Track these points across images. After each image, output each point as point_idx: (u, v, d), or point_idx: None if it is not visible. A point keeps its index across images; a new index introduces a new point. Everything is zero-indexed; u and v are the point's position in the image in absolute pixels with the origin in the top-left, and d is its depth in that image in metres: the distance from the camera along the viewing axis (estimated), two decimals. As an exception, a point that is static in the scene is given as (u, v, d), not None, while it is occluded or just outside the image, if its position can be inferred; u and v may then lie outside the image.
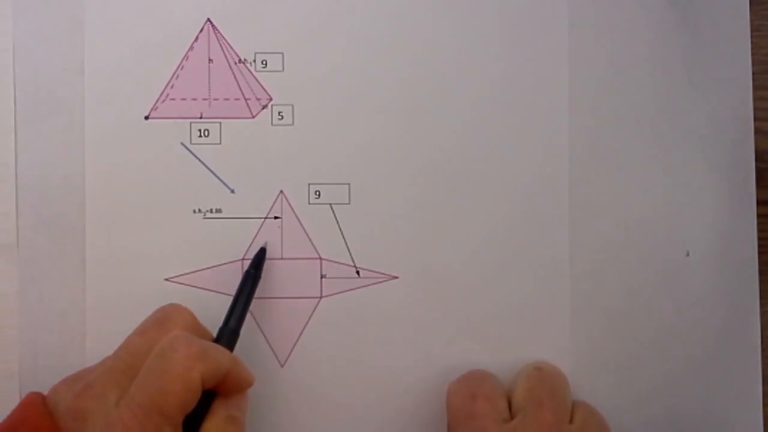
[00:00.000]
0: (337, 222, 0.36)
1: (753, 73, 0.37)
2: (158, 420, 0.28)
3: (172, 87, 0.36)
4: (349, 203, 0.37)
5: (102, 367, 0.31)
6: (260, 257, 0.35)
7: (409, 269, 0.36)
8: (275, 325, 0.36)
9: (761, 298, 0.37)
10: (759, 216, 0.37)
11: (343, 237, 0.36)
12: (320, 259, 0.36)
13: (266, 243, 0.36)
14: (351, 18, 0.37)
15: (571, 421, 0.32)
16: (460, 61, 0.37)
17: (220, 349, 0.31)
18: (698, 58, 0.37)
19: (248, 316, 0.36)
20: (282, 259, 0.36)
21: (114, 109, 0.36)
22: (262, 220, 0.36)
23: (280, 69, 0.37)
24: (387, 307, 0.36)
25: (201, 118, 0.36)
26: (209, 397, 0.31)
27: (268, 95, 0.37)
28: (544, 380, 0.34)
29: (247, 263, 0.36)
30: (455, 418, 0.33)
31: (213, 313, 0.36)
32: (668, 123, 0.37)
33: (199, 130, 0.36)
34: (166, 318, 0.32)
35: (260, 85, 0.36)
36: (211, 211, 0.36)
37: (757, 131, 0.37)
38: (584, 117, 0.37)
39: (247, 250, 0.36)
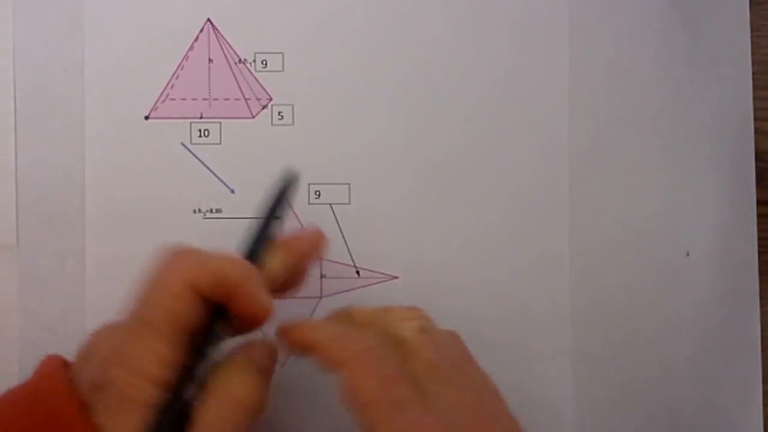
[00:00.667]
0: (337, 222, 0.36)
1: (753, 73, 0.37)
2: (141, 329, 0.27)
3: (172, 87, 0.36)
4: (349, 203, 0.37)
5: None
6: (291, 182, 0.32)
7: (409, 269, 0.36)
8: (275, 325, 0.36)
9: (761, 298, 0.37)
10: (759, 216, 0.37)
11: (343, 237, 0.36)
12: (320, 259, 0.36)
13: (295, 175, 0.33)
14: (351, 18, 0.37)
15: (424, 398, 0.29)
16: (460, 61, 0.37)
17: (231, 259, 0.29)
18: (698, 58, 0.37)
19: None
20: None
21: (114, 109, 0.36)
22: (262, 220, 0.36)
23: (280, 69, 0.37)
24: (387, 307, 0.36)
25: (201, 118, 0.36)
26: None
27: (268, 95, 0.37)
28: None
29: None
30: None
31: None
32: (668, 123, 0.37)
33: (199, 130, 0.36)
34: (166, 258, 0.29)
35: (260, 85, 0.36)
36: (211, 211, 0.36)
37: (757, 131, 0.37)
38: (584, 117, 0.37)
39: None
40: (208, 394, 0.28)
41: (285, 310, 0.36)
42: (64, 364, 0.29)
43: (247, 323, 0.30)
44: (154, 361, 0.27)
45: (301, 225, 0.36)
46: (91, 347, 0.28)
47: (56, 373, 0.28)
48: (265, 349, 0.31)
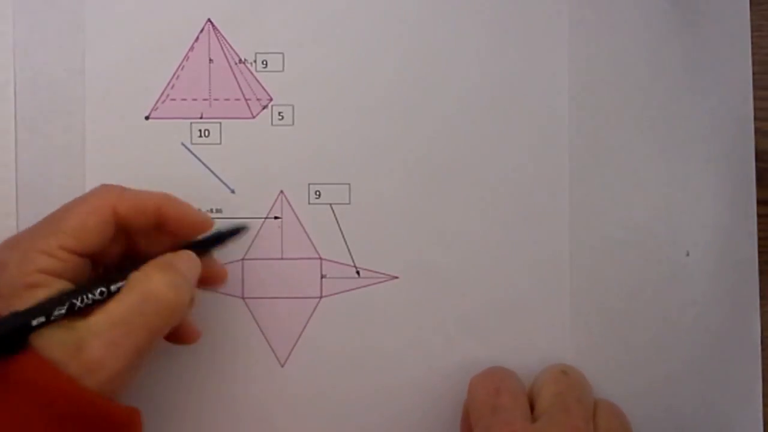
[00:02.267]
0: (337, 222, 0.36)
1: (753, 73, 0.37)
2: (47, 228, 0.29)
3: (172, 87, 0.36)
4: (349, 203, 0.37)
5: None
6: (233, 233, 0.34)
7: (409, 269, 0.36)
8: (275, 325, 0.36)
9: (761, 298, 0.37)
10: (759, 216, 0.37)
11: (343, 237, 0.36)
12: (320, 259, 0.36)
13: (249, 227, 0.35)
14: (351, 18, 0.37)
15: (595, 427, 0.32)
16: (460, 61, 0.37)
17: (153, 192, 0.31)
18: (698, 58, 0.37)
19: (248, 316, 0.36)
20: (282, 259, 0.36)
21: (114, 109, 0.36)
22: (262, 220, 0.36)
23: (280, 69, 0.37)
24: (387, 307, 0.36)
25: (201, 118, 0.36)
26: None
27: (268, 95, 0.37)
28: (572, 385, 0.33)
29: (247, 263, 0.36)
30: (478, 411, 0.33)
31: (213, 313, 0.36)
32: (668, 123, 0.37)
33: (200, 130, 0.36)
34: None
35: (260, 85, 0.36)
36: (211, 211, 0.36)
37: (757, 131, 0.37)
38: (584, 117, 0.37)
39: (248, 250, 0.36)
40: (126, 287, 0.29)
41: (285, 309, 0.36)
42: None
43: (189, 234, 0.32)
44: (49, 255, 0.28)
45: (301, 225, 0.36)
46: None
47: None
48: (190, 258, 0.31)
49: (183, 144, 0.36)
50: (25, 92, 0.36)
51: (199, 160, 0.36)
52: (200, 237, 0.32)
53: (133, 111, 0.36)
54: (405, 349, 0.36)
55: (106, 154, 0.36)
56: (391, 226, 0.36)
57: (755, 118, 0.37)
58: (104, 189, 0.31)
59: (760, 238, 0.37)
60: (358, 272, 0.36)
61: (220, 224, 0.33)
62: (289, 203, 0.36)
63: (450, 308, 0.36)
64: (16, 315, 0.26)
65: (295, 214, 0.36)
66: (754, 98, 0.37)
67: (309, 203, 0.36)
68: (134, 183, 0.36)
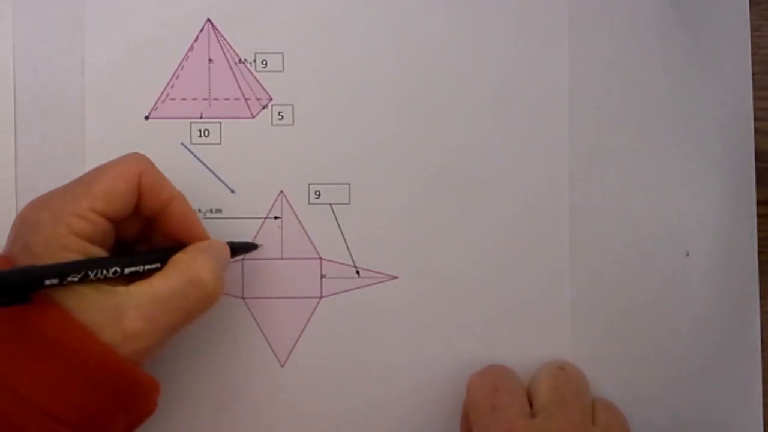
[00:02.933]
0: (337, 222, 0.36)
1: (753, 73, 0.37)
2: (79, 189, 0.29)
3: (172, 87, 0.36)
4: (349, 203, 0.37)
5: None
6: (248, 249, 0.36)
7: (409, 269, 0.36)
8: (275, 325, 0.36)
9: (761, 298, 0.37)
10: (759, 216, 0.37)
11: (343, 237, 0.36)
12: (320, 259, 0.36)
13: (261, 245, 0.36)
14: (351, 18, 0.37)
15: (593, 422, 0.32)
16: (459, 61, 0.37)
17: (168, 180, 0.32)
18: (698, 58, 0.37)
19: (248, 316, 0.36)
20: (282, 259, 0.36)
21: (114, 109, 0.36)
22: (262, 220, 0.36)
23: (280, 69, 0.37)
24: (387, 307, 0.36)
25: (201, 118, 0.36)
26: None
27: (268, 95, 0.37)
28: (569, 380, 0.34)
29: (247, 263, 0.36)
30: (477, 410, 0.33)
31: (213, 313, 0.36)
32: (668, 123, 0.37)
33: (199, 130, 0.36)
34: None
35: (260, 85, 0.36)
36: (211, 211, 0.36)
37: (757, 131, 0.37)
38: (584, 117, 0.37)
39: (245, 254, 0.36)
40: (172, 267, 0.30)
41: (285, 309, 0.36)
42: None
43: (182, 241, 0.32)
44: (82, 216, 0.29)
45: (301, 225, 0.36)
46: (16, 219, 0.29)
47: None
48: (225, 248, 0.33)
49: (183, 144, 0.36)
50: (25, 92, 0.36)
51: (199, 160, 0.36)
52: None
53: (132, 111, 0.36)
54: (405, 349, 0.36)
55: (106, 154, 0.36)
56: (391, 226, 0.36)
57: (755, 118, 0.37)
58: (135, 157, 0.31)
59: (760, 238, 0.37)
60: (358, 272, 0.36)
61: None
62: (289, 203, 0.36)
63: (450, 308, 0.36)
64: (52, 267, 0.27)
65: (295, 214, 0.36)
66: (754, 98, 0.37)
67: (309, 203, 0.36)
68: (134, 183, 0.36)
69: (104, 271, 0.28)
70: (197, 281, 0.30)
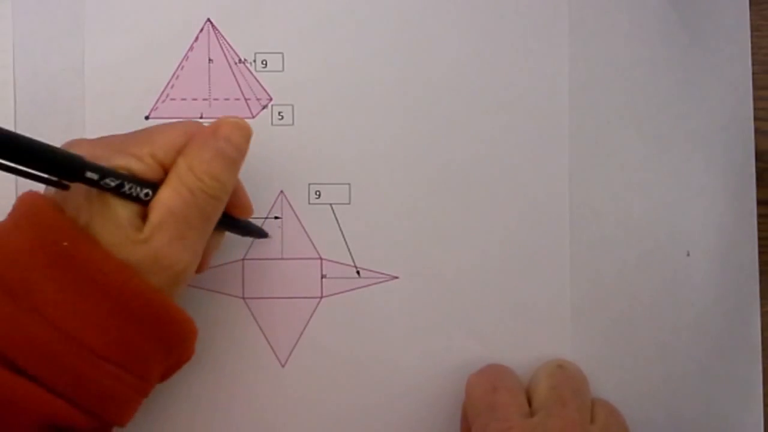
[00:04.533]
0: (337, 222, 0.36)
1: (753, 73, 0.37)
2: (138, 136, 0.30)
3: (172, 87, 0.36)
4: (349, 203, 0.36)
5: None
6: (260, 235, 0.36)
7: (409, 269, 0.36)
8: (275, 325, 0.36)
9: (761, 298, 0.37)
10: (759, 216, 0.37)
11: (343, 237, 0.36)
12: (320, 259, 0.36)
13: (272, 237, 0.36)
14: (351, 18, 0.37)
15: (592, 421, 0.32)
16: (459, 61, 0.37)
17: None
18: (698, 58, 0.37)
19: (248, 316, 0.36)
20: (282, 259, 0.36)
21: (114, 109, 0.36)
22: (263, 220, 0.36)
23: (280, 69, 0.37)
24: (387, 307, 0.36)
25: (201, 118, 0.36)
26: None
27: (268, 95, 0.37)
28: (568, 378, 0.34)
29: (247, 263, 0.36)
30: (476, 409, 0.33)
31: (214, 313, 0.36)
32: (668, 123, 0.37)
33: (199, 130, 0.36)
34: None
35: (260, 85, 0.36)
36: (211, 211, 0.36)
37: (757, 131, 0.37)
38: (584, 117, 0.37)
39: (248, 250, 0.36)
40: (175, 175, 0.29)
41: (285, 309, 0.36)
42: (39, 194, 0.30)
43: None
44: (140, 158, 0.29)
45: (302, 225, 0.36)
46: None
47: (33, 195, 0.29)
48: (237, 126, 0.31)
49: (183, 144, 0.36)
50: (25, 92, 0.36)
51: (199, 160, 0.36)
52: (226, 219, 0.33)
53: (133, 111, 0.36)
54: (405, 348, 0.36)
55: (106, 154, 0.36)
56: (391, 226, 0.36)
57: (755, 118, 0.37)
58: (191, 123, 0.31)
59: (760, 238, 0.37)
60: (358, 272, 0.36)
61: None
62: (289, 203, 0.36)
63: (450, 308, 0.36)
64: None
65: (295, 214, 0.36)
66: (754, 98, 0.37)
67: (309, 203, 0.36)
68: (134, 183, 0.36)
69: (138, 189, 0.28)
70: (200, 192, 0.29)
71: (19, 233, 0.28)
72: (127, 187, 0.28)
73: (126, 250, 0.28)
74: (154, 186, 0.29)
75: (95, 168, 0.27)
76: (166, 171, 0.30)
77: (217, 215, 0.30)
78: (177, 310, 0.29)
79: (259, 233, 0.36)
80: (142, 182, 0.28)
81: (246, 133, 0.31)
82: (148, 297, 0.28)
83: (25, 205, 0.29)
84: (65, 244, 0.27)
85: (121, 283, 0.27)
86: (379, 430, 0.36)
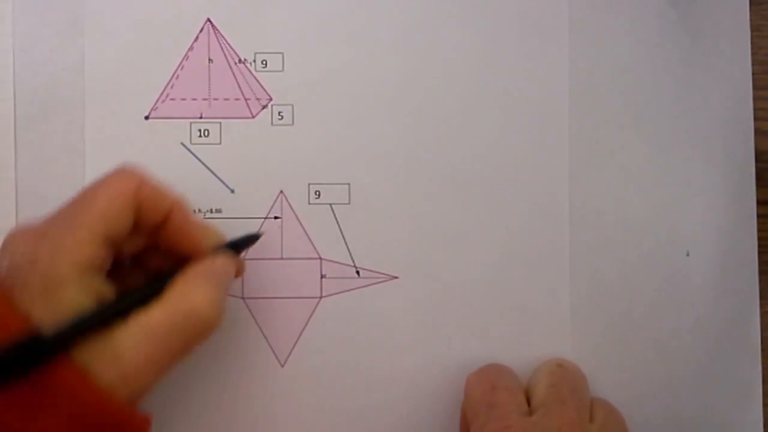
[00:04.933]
0: (337, 222, 0.36)
1: (753, 73, 0.37)
2: (75, 220, 0.27)
3: (172, 87, 0.36)
4: (349, 203, 0.36)
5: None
6: (250, 242, 0.35)
7: (409, 269, 0.36)
8: (275, 325, 0.36)
9: (761, 298, 0.37)
10: (759, 216, 0.37)
11: (343, 237, 0.36)
12: (320, 259, 0.36)
13: (263, 233, 0.36)
14: (351, 18, 0.37)
15: (591, 420, 0.32)
16: (460, 60, 0.37)
17: (169, 188, 0.30)
18: (698, 58, 0.37)
19: (248, 316, 0.36)
20: (282, 259, 0.36)
21: (114, 109, 0.36)
22: (262, 220, 0.36)
23: (280, 69, 0.37)
24: (387, 307, 0.36)
25: (201, 118, 0.36)
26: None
27: (268, 95, 0.37)
28: (567, 377, 0.34)
29: (247, 263, 0.36)
30: (474, 409, 0.33)
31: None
32: (668, 123, 0.37)
33: (199, 130, 0.36)
34: (113, 169, 0.30)
35: (260, 85, 0.36)
36: (211, 211, 0.36)
37: (757, 131, 0.37)
38: (584, 117, 0.37)
39: (247, 250, 0.36)
40: (168, 300, 0.28)
41: (285, 309, 0.36)
42: None
43: (183, 251, 0.31)
44: (82, 245, 0.27)
45: (301, 225, 0.36)
46: (6, 242, 0.28)
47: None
48: (228, 265, 0.31)
49: (182, 144, 0.36)
50: (25, 92, 0.36)
51: (199, 160, 0.36)
52: (215, 245, 0.32)
53: (132, 111, 0.36)
54: (405, 348, 0.36)
55: (105, 154, 0.36)
56: (391, 226, 0.36)
57: (755, 118, 0.37)
58: (128, 171, 0.30)
59: (760, 238, 0.37)
60: (358, 272, 0.36)
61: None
62: (289, 203, 0.36)
63: (450, 308, 0.36)
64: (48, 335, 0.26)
65: (295, 214, 0.36)
66: (754, 98, 0.37)
67: (309, 203, 0.36)
68: (134, 183, 0.36)
69: (109, 323, 0.27)
70: (195, 316, 0.28)
71: None
72: (96, 329, 0.27)
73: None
74: (122, 308, 0.28)
75: (59, 343, 0.25)
76: (114, 242, 0.28)
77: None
78: (132, 414, 0.27)
79: (251, 239, 0.35)
80: (108, 312, 0.27)
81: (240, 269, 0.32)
82: (104, 404, 0.26)
83: None
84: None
85: (77, 390, 0.26)
86: (378, 429, 0.36)
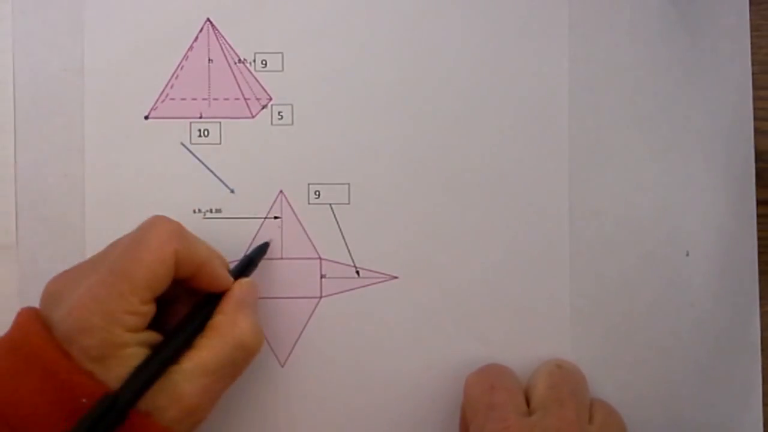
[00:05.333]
0: (337, 222, 0.36)
1: (753, 73, 0.37)
2: (125, 287, 0.29)
3: (171, 87, 0.36)
4: (349, 203, 0.36)
5: (85, 260, 0.32)
6: (262, 252, 0.36)
7: (409, 269, 0.36)
8: (275, 325, 0.36)
9: (761, 298, 0.37)
10: (759, 216, 0.37)
11: (343, 237, 0.36)
12: (320, 259, 0.36)
13: (270, 240, 0.36)
14: (351, 18, 0.37)
15: (590, 421, 0.32)
16: (460, 61, 0.37)
17: (201, 241, 0.32)
18: (698, 58, 0.37)
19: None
20: (282, 259, 0.36)
21: (114, 109, 0.36)
22: (262, 220, 0.36)
23: (280, 69, 0.37)
24: (387, 307, 0.36)
25: (201, 118, 0.36)
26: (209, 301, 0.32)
27: (268, 95, 0.37)
28: (567, 378, 0.34)
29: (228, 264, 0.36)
30: (473, 409, 0.33)
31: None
32: (668, 123, 0.37)
33: (199, 130, 0.36)
34: (150, 219, 0.32)
35: (260, 85, 0.36)
36: (211, 211, 0.36)
37: (757, 131, 0.37)
38: (584, 117, 0.37)
39: (248, 250, 0.36)
40: (215, 334, 0.31)
41: (286, 309, 0.36)
42: (36, 312, 0.30)
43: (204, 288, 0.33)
44: (134, 313, 0.29)
45: (301, 225, 0.36)
46: (55, 293, 0.30)
47: (33, 323, 0.29)
48: (255, 288, 0.33)
49: (182, 144, 0.36)
50: (25, 92, 0.36)
51: (199, 159, 0.36)
52: (233, 267, 0.34)
53: (132, 110, 0.36)
54: (405, 348, 0.36)
55: (105, 154, 0.36)
56: (391, 226, 0.36)
57: (755, 118, 0.37)
58: (166, 231, 0.31)
59: (760, 238, 0.37)
60: (357, 272, 0.36)
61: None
62: (289, 203, 0.36)
63: (449, 308, 0.36)
64: (120, 394, 0.28)
65: (295, 214, 0.36)
66: (754, 98, 0.37)
67: (309, 203, 0.36)
68: (134, 183, 0.36)
69: (166, 369, 0.29)
70: (242, 346, 0.31)
71: (29, 383, 0.28)
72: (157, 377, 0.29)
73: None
74: (173, 351, 0.30)
75: (130, 400, 0.28)
76: (156, 301, 0.30)
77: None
78: None
79: (263, 250, 0.36)
80: (163, 360, 0.29)
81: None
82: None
83: (17, 321, 0.29)
84: (84, 401, 0.27)
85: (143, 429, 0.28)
86: (378, 429, 0.36)
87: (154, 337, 0.30)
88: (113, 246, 0.31)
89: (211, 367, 0.30)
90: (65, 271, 0.31)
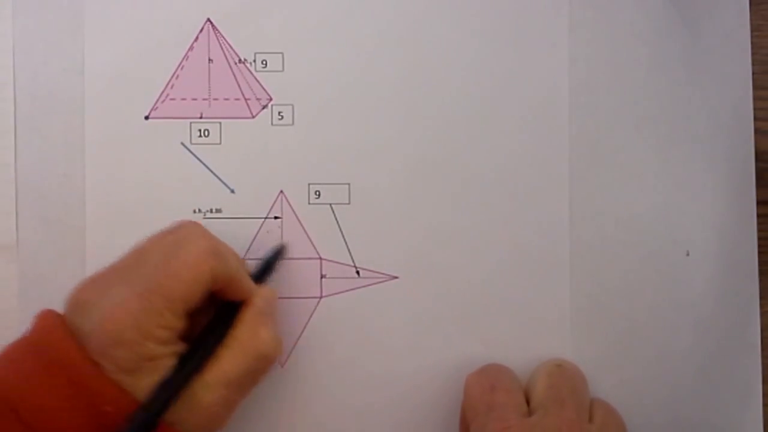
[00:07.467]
0: (337, 222, 0.36)
1: (753, 73, 0.37)
2: (160, 303, 0.29)
3: (172, 87, 0.36)
4: (349, 203, 0.37)
5: (110, 265, 0.31)
6: (280, 255, 0.36)
7: (409, 269, 0.36)
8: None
9: (761, 298, 0.37)
10: (759, 216, 0.37)
11: (343, 237, 0.36)
12: (320, 259, 0.36)
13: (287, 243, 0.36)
14: (351, 18, 0.37)
15: (590, 420, 0.32)
16: (460, 61, 0.37)
17: (230, 251, 0.33)
18: (698, 58, 0.37)
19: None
20: (282, 259, 0.36)
21: (114, 109, 0.36)
22: (262, 220, 0.36)
23: (280, 69, 0.37)
24: (387, 307, 0.36)
25: (201, 118, 0.36)
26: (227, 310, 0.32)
27: (268, 95, 0.37)
28: (566, 378, 0.34)
29: (248, 264, 0.36)
30: (473, 409, 0.33)
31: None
32: (668, 123, 0.37)
33: (199, 130, 0.36)
34: (180, 227, 0.32)
35: (260, 85, 0.36)
36: (211, 211, 0.36)
37: (757, 131, 0.37)
38: (584, 117, 0.37)
39: (248, 250, 0.36)
40: (236, 345, 0.31)
41: (286, 309, 0.36)
42: (61, 319, 0.30)
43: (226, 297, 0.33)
44: (168, 328, 0.29)
45: (301, 225, 0.36)
46: (82, 302, 0.30)
47: (58, 329, 0.29)
48: (275, 297, 0.34)
49: (182, 144, 0.36)
50: (25, 92, 0.36)
51: (199, 159, 0.36)
52: (253, 272, 0.34)
53: (132, 111, 0.36)
54: (405, 348, 0.36)
55: (105, 154, 0.36)
56: (391, 226, 0.36)
57: (755, 118, 0.37)
58: (203, 249, 0.31)
59: (760, 238, 0.37)
60: (358, 272, 0.36)
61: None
62: (289, 203, 0.36)
63: (450, 308, 0.36)
64: (150, 407, 0.29)
65: (295, 214, 0.36)
66: (754, 98, 0.37)
67: (309, 203, 0.36)
68: (134, 183, 0.36)
69: (190, 381, 0.30)
70: (263, 357, 0.31)
71: (53, 388, 0.28)
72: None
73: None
74: (197, 364, 0.30)
75: (159, 410, 0.28)
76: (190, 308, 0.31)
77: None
78: None
79: (280, 253, 0.36)
80: (188, 372, 0.30)
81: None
82: None
83: (59, 361, 0.29)
84: (108, 409, 0.28)
85: None
86: (378, 429, 0.36)
87: (181, 346, 0.30)
88: (142, 254, 0.31)
89: (233, 378, 0.30)
90: (91, 279, 0.31)
